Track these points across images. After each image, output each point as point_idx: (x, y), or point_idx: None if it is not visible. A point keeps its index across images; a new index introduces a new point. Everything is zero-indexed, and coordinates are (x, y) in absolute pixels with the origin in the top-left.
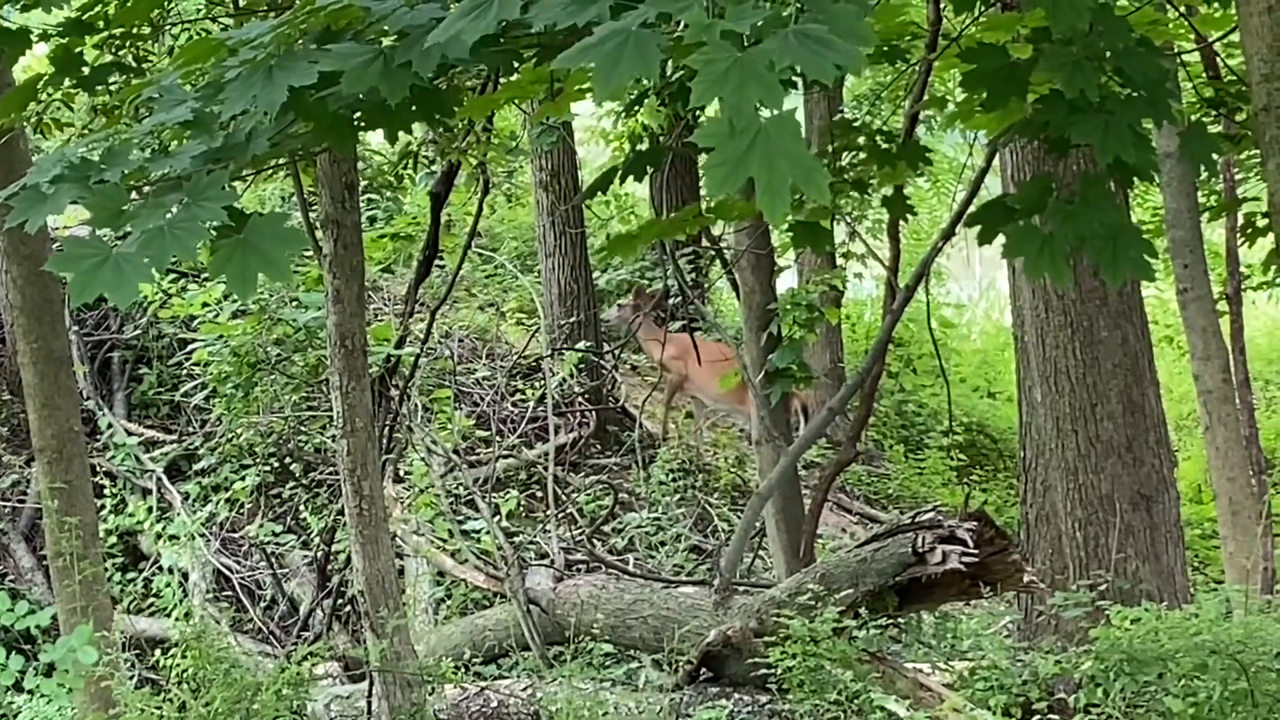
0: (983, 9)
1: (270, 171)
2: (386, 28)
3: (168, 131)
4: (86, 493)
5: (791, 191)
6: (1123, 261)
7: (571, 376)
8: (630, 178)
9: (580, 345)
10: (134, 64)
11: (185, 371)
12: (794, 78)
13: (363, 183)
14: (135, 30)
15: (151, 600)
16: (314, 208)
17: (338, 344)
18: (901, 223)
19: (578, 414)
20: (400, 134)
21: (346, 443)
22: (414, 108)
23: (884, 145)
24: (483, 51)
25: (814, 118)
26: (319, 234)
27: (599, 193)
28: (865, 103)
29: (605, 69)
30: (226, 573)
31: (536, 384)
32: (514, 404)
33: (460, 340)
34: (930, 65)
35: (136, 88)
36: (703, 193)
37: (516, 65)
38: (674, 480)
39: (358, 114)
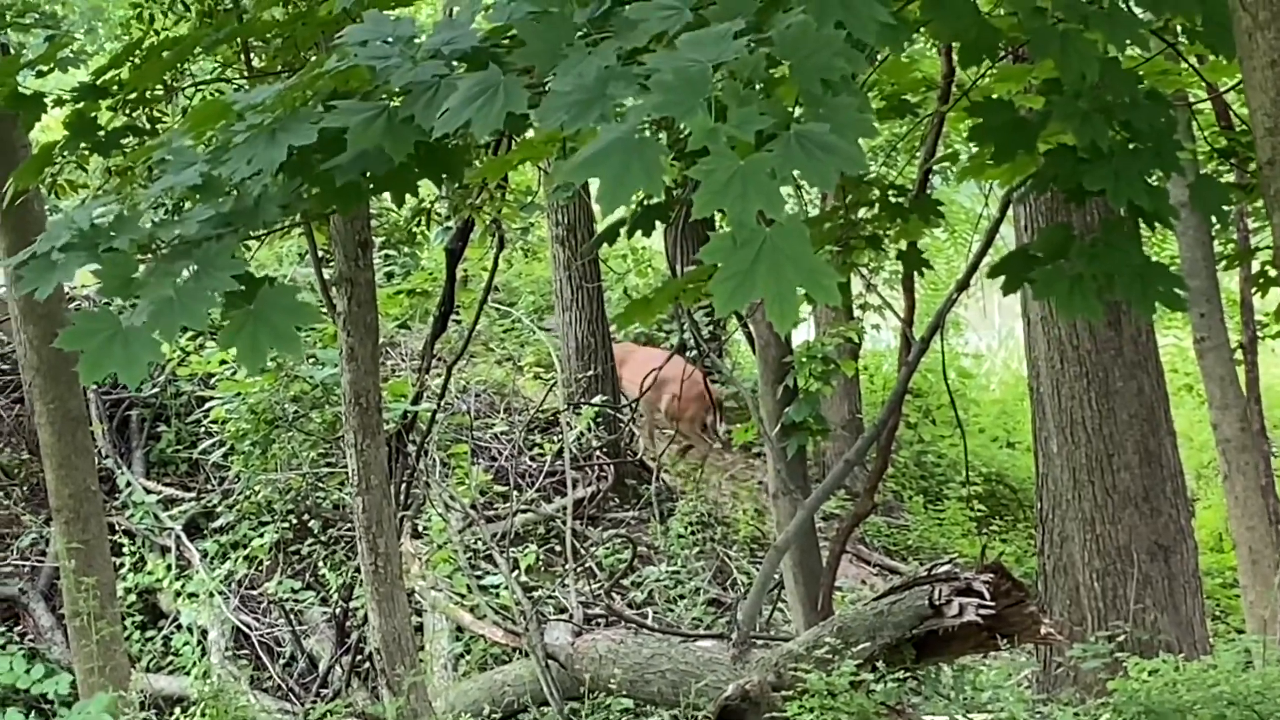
0: (993, 61)
1: (285, 230)
2: (392, 84)
3: (178, 194)
4: (104, 552)
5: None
6: (1151, 295)
7: (589, 430)
8: (650, 230)
9: (597, 399)
10: (148, 126)
11: (203, 429)
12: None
13: (379, 239)
14: (149, 93)
15: (171, 658)
16: (328, 265)
17: (352, 401)
18: (917, 274)
19: (596, 468)
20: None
21: (362, 500)
22: (421, 168)
23: (896, 199)
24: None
25: None
26: (333, 292)
27: (607, 245)
28: (881, 155)
29: (612, 184)
30: (245, 630)
31: (555, 438)
32: (532, 458)
33: (478, 395)
34: (943, 118)
35: (148, 149)
36: None
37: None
38: (692, 533)
39: (365, 176)
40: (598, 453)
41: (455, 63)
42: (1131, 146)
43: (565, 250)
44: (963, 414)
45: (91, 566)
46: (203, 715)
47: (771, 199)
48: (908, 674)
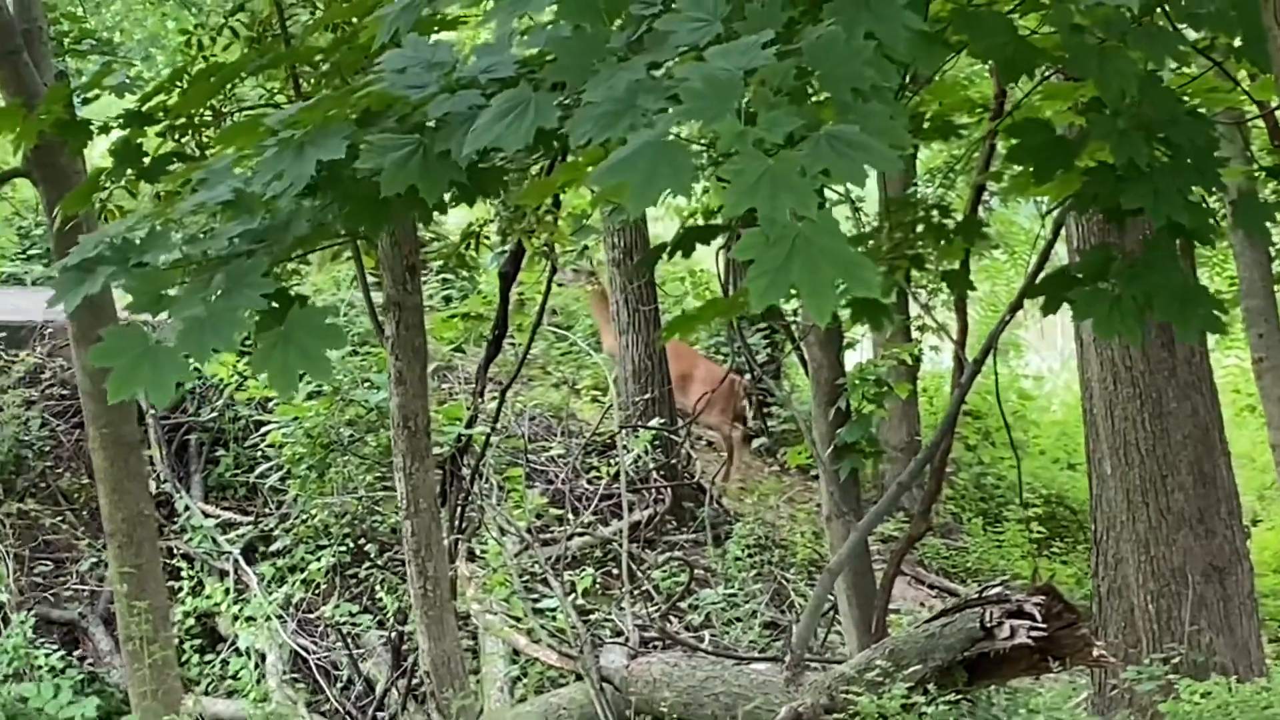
0: (1031, 79)
1: (318, 249)
2: (429, 115)
3: (210, 209)
4: (157, 576)
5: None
6: (1193, 319)
7: (646, 453)
8: (690, 252)
9: (654, 422)
10: (196, 152)
11: (261, 453)
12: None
13: (437, 263)
14: (196, 119)
15: (229, 681)
16: (378, 289)
17: (401, 425)
18: (977, 296)
19: (653, 490)
20: (464, 213)
21: (410, 524)
22: (455, 187)
23: (941, 221)
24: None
25: (888, 190)
26: (381, 316)
27: (664, 265)
28: (938, 175)
29: (641, 186)
30: (303, 653)
31: (612, 461)
32: (589, 481)
33: (535, 418)
34: (995, 137)
35: (188, 170)
36: None
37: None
38: (750, 555)
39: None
40: (655, 475)
41: (492, 91)
42: (1172, 164)
43: (621, 273)
44: (1023, 435)
45: (145, 591)
46: None
47: (803, 196)
48: (960, 696)
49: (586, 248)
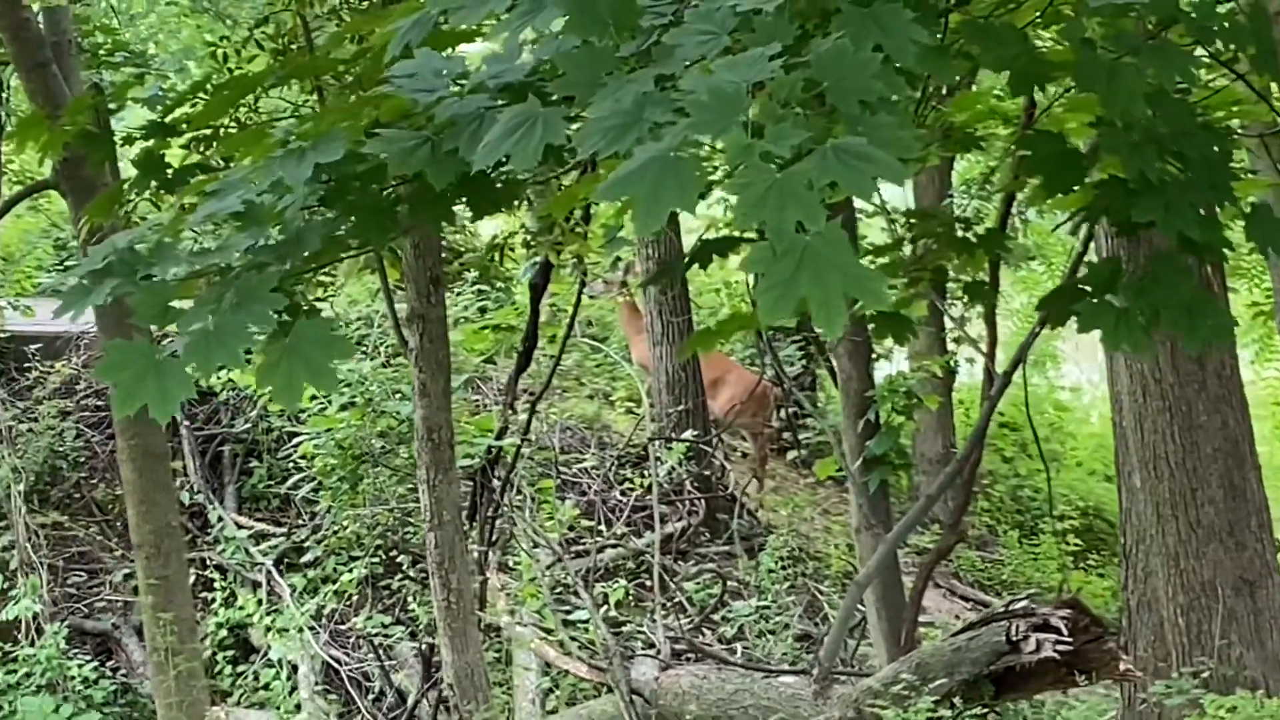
0: (1065, 90)
1: (367, 265)
2: (437, 118)
3: (219, 220)
4: (184, 588)
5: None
6: (1200, 329)
7: (680, 465)
8: (707, 264)
9: (687, 434)
10: (221, 163)
11: (293, 464)
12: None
13: (471, 274)
14: (219, 131)
15: (261, 693)
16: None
17: (424, 437)
18: (1008, 308)
19: (686, 502)
20: (489, 225)
21: (434, 536)
22: (467, 199)
23: (963, 234)
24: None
25: (923, 201)
26: (405, 329)
27: (670, 281)
28: (973, 187)
29: (646, 203)
30: (335, 665)
31: (645, 472)
32: (622, 493)
33: (569, 430)
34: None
35: (202, 182)
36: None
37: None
38: (783, 568)
39: (401, 203)
40: (689, 487)
41: (499, 96)
42: (1183, 178)
43: (654, 285)
44: (1059, 448)
45: (172, 602)
46: None
47: (810, 209)
48: (986, 710)
49: (619, 259)
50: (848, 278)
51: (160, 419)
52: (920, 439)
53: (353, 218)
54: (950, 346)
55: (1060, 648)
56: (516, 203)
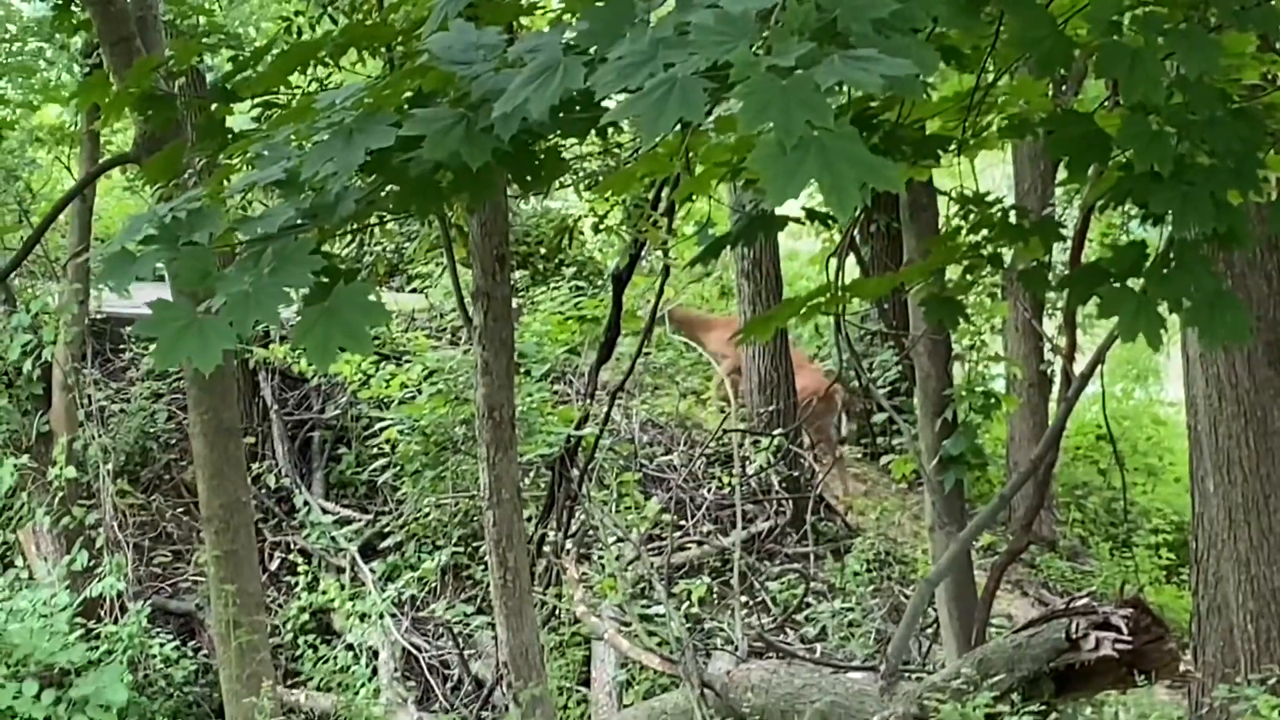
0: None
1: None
2: (472, 93)
3: (260, 189)
4: (251, 563)
5: (862, 192)
6: (1218, 326)
7: (769, 465)
8: (752, 241)
9: (777, 433)
10: None
11: (379, 450)
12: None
13: (570, 268)
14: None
15: (340, 676)
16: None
17: (485, 415)
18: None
19: (774, 502)
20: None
21: (492, 514)
22: (510, 171)
23: (1016, 220)
24: (560, 118)
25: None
26: (469, 307)
27: (713, 259)
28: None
29: (651, 115)
30: (414, 652)
31: (733, 471)
32: (710, 491)
33: (658, 427)
34: None
35: (243, 145)
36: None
37: (596, 130)
38: (869, 571)
39: (443, 176)
40: (777, 487)
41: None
42: (1209, 166)
43: (751, 284)
44: (1157, 461)
45: (239, 575)
46: None
47: (818, 109)
48: (1045, 708)
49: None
50: (858, 164)
51: (203, 369)
52: (1014, 448)
53: (397, 189)
54: (1048, 356)
55: (1120, 646)
56: (559, 178)
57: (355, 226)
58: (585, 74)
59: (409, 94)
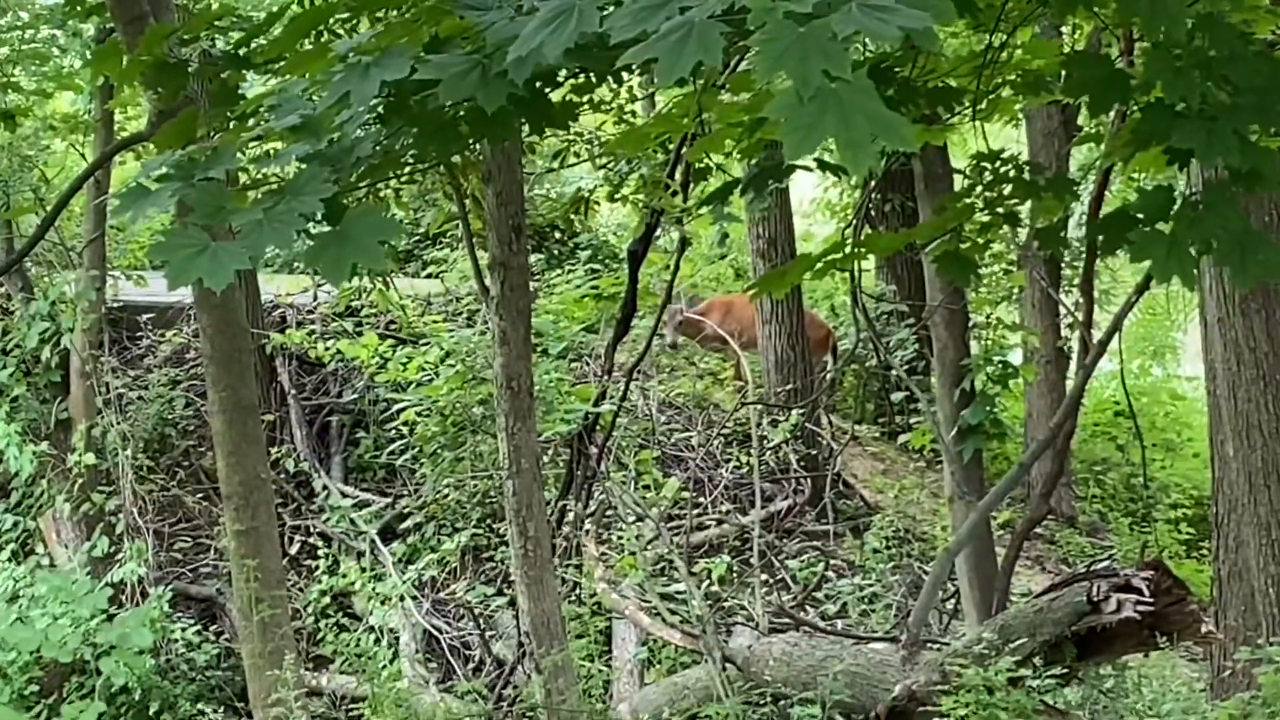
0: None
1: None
2: (488, 40)
3: (277, 134)
4: (272, 540)
5: (879, 150)
6: (1250, 264)
7: (787, 444)
8: (762, 189)
9: (795, 413)
10: None
11: (397, 433)
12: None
13: (585, 251)
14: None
15: (361, 659)
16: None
17: (504, 385)
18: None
19: (793, 481)
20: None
21: (512, 483)
22: (525, 117)
23: (1033, 177)
24: (575, 58)
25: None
26: (486, 277)
27: (721, 203)
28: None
29: (670, 58)
30: (435, 633)
31: (751, 450)
32: (729, 470)
33: (676, 408)
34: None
35: (259, 97)
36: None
37: (611, 74)
38: (888, 548)
39: (461, 119)
40: (795, 466)
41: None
42: (1231, 103)
43: (766, 264)
44: (1175, 437)
45: (260, 551)
46: (374, 713)
47: (835, 58)
48: (1068, 672)
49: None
50: (874, 121)
51: (216, 287)
52: (1032, 424)
53: (414, 130)
54: (1064, 332)
55: (1141, 608)
56: (572, 122)
57: (371, 183)
58: (600, 18)
59: (425, 40)
